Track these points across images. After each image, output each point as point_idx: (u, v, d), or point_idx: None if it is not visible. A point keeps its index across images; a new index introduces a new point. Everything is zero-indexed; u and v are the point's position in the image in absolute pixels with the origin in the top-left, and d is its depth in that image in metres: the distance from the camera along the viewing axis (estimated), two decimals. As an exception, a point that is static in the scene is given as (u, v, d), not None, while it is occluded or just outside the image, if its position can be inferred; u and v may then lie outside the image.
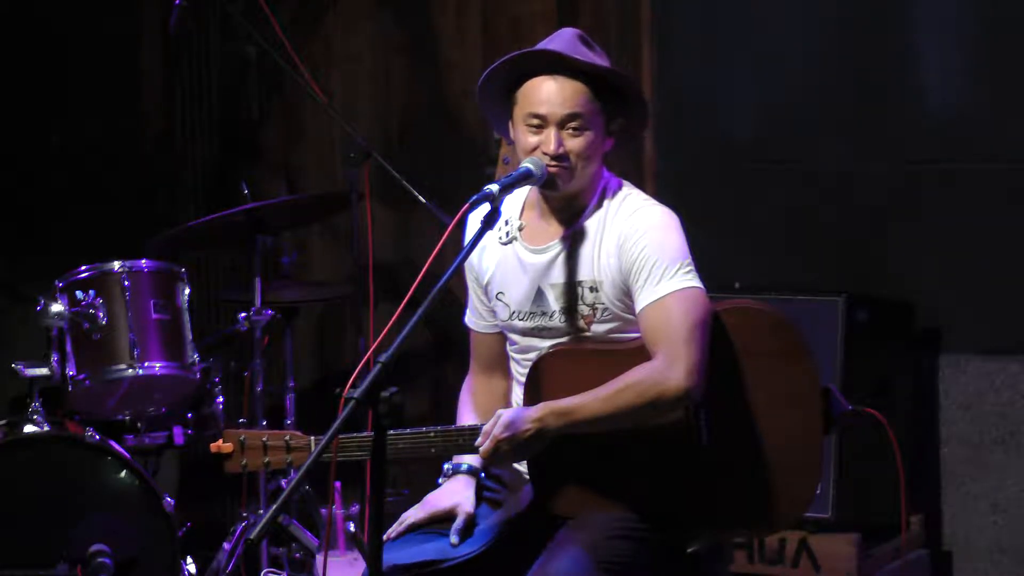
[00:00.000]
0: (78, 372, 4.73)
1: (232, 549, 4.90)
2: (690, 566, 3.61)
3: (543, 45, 3.64)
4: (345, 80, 6.12)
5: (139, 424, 5.01)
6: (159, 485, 4.73)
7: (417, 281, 3.33)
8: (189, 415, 5.06)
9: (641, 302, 3.54)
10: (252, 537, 3.05)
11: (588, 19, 5.62)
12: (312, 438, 3.59)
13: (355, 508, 5.13)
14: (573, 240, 3.64)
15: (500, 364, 3.81)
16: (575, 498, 3.58)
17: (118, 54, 6.26)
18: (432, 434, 3.54)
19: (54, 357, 4.70)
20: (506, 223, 3.69)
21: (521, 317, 3.68)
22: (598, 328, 3.62)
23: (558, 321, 3.64)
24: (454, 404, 3.85)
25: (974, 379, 5.25)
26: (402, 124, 6.07)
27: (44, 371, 4.69)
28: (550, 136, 3.56)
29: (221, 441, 3.63)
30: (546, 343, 3.64)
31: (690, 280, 3.54)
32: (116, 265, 4.82)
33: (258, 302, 4.99)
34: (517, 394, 3.70)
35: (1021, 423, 5.19)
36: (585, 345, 3.62)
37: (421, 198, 5.01)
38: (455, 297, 3.90)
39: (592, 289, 3.61)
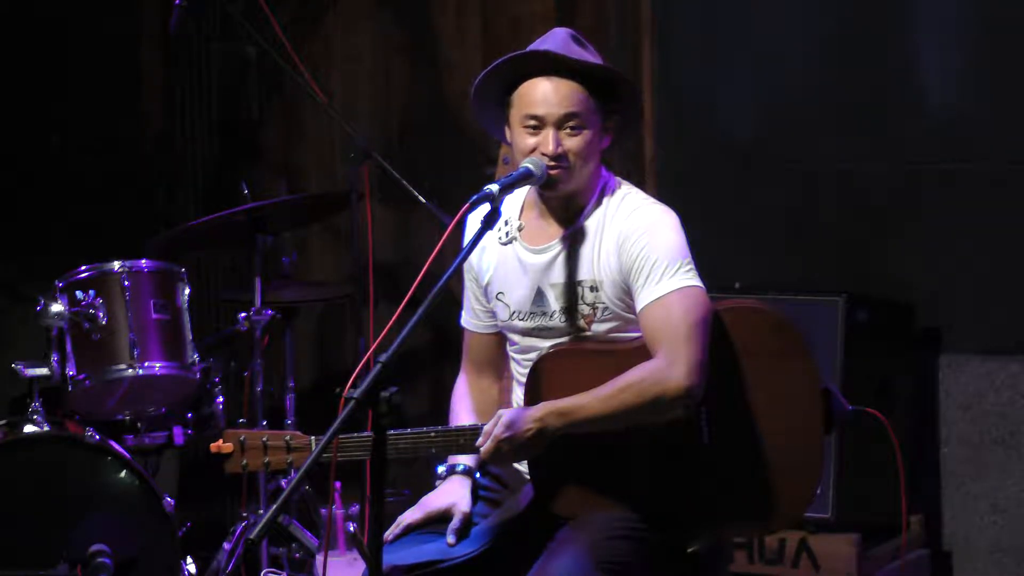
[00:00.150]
0: (78, 372, 4.73)
1: (232, 549, 4.90)
2: (690, 566, 3.61)
3: (536, 46, 3.64)
4: (345, 80, 6.12)
5: (139, 424, 5.01)
6: (159, 485, 4.73)
7: (417, 281, 3.33)
8: (189, 415, 5.06)
9: (641, 301, 3.54)
10: (252, 537, 3.04)
11: (588, 19, 5.62)
12: (312, 438, 3.59)
13: (355, 508, 5.13)
14: (573, 240, 3.64)
15: (492, 365, 3.82)
16: (575, 498, 3.58)
17: (118, 54, 6.27)
18: (432, 434, 3.54)
19: (54, 357, 4.70)
20: (505, 223, 3.69)
21: (521, 317, 3.68)
22: (598, 328, 3.62)
23: (558, 321, 3.64)
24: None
25: (974, 379, 5.25)
26: (402, 124, 6.08)
27: (44, 371, 4.69)
28: (548, 137, 3.56)
29: (221, 441, 3.63)
30: (546, 343, 3.64)
31: (690, 279, 3.54)
32: (116, 265, 4.81)
33: (258, 302, 4.98)
34: (517, 394, 3.70)
35: (1021, 423, 5.19)
36: (585, 345, 3.62)
37: (421, 198, 5.01)
38: (455, 297, 3.89)
39: (592, 289, 3.61)
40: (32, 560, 4.53)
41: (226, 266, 6.17)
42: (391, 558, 3.47)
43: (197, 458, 5.17)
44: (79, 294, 4.73)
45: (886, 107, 5.33)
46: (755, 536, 4.93)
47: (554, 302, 3.64)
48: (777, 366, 3.60)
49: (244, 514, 4.98)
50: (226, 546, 4.94)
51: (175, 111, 6.30)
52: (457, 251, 3.48)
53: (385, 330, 3.25)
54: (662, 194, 4.51)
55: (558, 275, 3.64)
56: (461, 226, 3.64)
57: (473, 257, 3.74)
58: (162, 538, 4.62)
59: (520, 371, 3.69)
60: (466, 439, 3.54)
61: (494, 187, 3.44)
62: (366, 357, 3.48)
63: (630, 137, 4.12)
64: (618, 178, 3.71)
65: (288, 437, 3.60)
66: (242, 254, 5.33)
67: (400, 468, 5.51)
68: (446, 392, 3.95)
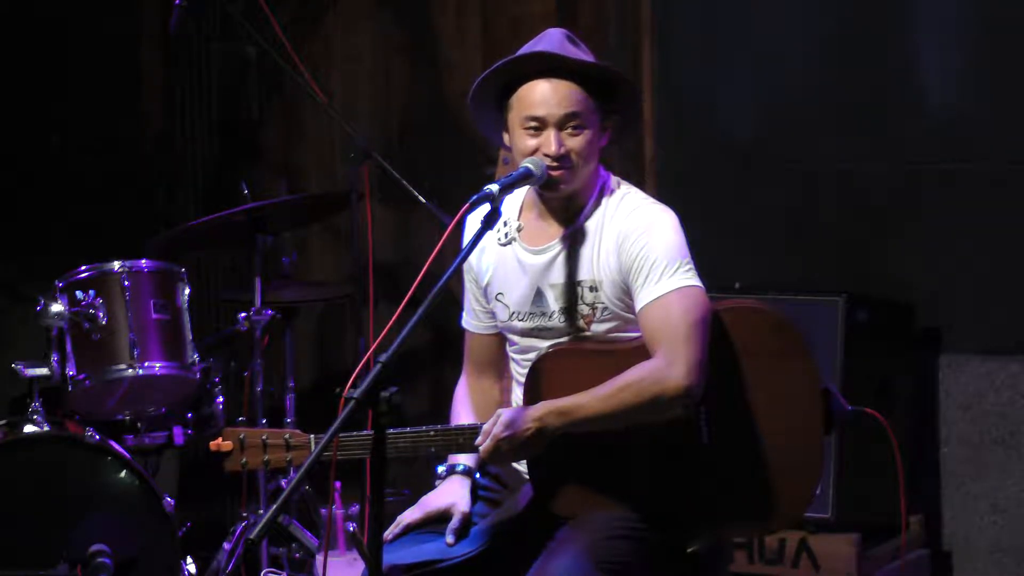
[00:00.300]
0: (78, 372, 4.73)
1: (232, 549, 4.90)
2: (690, 566, 3.61)
3: (530, 47, 3.63)
4: (345, 80, 6.12)
5: (139, 424, 5.01)
6: (159, 485, 4.73)
7: (417, 281, 3.33)
8: (189, 415, 5.05)
9: (641, 301, 3.54)
10: (252, 537, 3.04)
11: (588, 19, 5.62)
12: (312, 436, 3.59)
13: (355, 508, 5.13)
14: (572, 240, 3.63)
15: (493, 366, 3.82)
16: (575, 498, 3.58)
17: (118, 54, 6.27)
18: (432, 433, 3.54)
19: (54, 357, 4.70)
20: (504, 224, 3.69)
21: (520, 318, 3.68)
22: (598, 328, 3.61)
23: (558, 321, 3.64)
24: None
25: (974, 379, 5.25)
26: (402, 124, 6.08)
27: (44, 371, 4.69)
28: (550, 138, 3.56)
29: (221, 439, 3.63)
30: (546, 343, 3.64)
31: (690, 279, 3.54)
32: (116, 265, 4.81)
33: (258, 302, 4.98)
34: (517, 394, 3.70)
35: (1021, 423, 5.19)
36: (585, 345, 3.62)
37: (421, 198, 5.01)
38: (455, 297, 3.89)
39: (592, 289, 3.60)
40: (32, 560, 4.53)
41: (226, 266, 6.17)
42: (390, 558, 3.47)
43: (197, 458, 5.17)
44: (79, 294, 4.73)
45: (886, 107, 5.33)
46: (755, 536, 4.93)
47: (553, 302, 3.64)
48: (777, 366, 3.60)
49: (244, 514, 4.98)
50: (226, 546, 4.94)
51: (175, 111, 6.30)
52: (457, 251, 3.48)
53: (385, 330, 3.25)
54: (662, 194, 4.51)
55: (557, 275, 3.64)
56: (461, 226, 3.64)
57: (472, 258, 3.73)
58: (162, 538, 4.62)
59: (519, 371, 3.69)
60: (465, 438, 3.54)
61: (494, 187, 3.44)
62: (366, 357, 3.48)
63: (630, 137, 4.12)
64: (617, 178, 3.71)
65: (287, 435, 3.60)
66: (242, 254, 5.33)
67: (400, 468, 5.51)
68: (446, 392, 3.95)
